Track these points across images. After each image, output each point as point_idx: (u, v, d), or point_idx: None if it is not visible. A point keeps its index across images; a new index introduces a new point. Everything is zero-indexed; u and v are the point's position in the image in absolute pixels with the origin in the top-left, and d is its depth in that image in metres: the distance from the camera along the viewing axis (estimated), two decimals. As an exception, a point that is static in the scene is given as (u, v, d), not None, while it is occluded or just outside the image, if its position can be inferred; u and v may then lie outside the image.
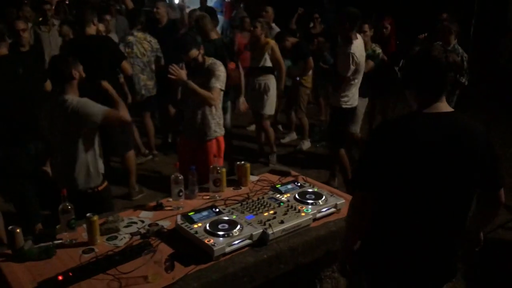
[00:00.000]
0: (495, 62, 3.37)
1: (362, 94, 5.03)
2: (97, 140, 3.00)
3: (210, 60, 3.62)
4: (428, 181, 1.84)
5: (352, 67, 4.34)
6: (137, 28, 5.29)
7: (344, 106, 4.57)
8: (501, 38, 3.19)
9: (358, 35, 4.49)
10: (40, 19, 6.07)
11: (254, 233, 2.36)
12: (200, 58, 3.55)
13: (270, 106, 5.59)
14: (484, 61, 3.93)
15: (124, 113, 2.97)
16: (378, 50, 5.20)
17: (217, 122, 3.72)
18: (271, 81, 5.49)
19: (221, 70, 3.57)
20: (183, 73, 3.47)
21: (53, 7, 6.75)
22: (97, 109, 2.81)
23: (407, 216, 1.92)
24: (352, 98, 4.59)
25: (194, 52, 3.49)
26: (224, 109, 5.05)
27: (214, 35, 4.91)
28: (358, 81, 4.55)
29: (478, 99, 4.10)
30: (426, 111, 1.86)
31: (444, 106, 1.88)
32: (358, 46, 4.41)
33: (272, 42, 5.40)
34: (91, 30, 4.31)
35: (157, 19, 5.81)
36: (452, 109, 1.90)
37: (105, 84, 3.03)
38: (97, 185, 2.98)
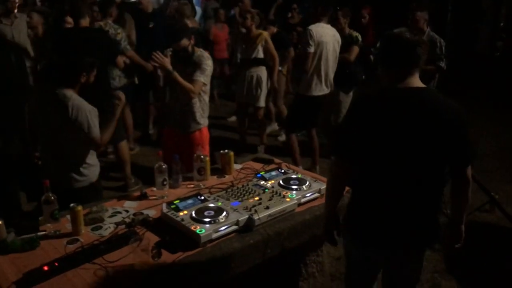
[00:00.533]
0: (472, 48, 3.45)
1: (345, 90, 5.13)
2: None
3: (198, 52, 3.59)
4: (400, 151, 1.96)
5: (311, 44, 4.54)
6: (107, 20, 5.15)
7: (301, 93, 4.75)
8: (478, 25, 3.25)
9: (328, 25, 4.64)
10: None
11: (240, 219, 2.38)
12: (190, 49, 3.52)
13: (264, 98, 5.65)
14: (461, 47, 4.03)
15: (106, 138, 2.98)
16: (355, 33, 5.17)
17: (201, 114, 3.71)
18: (263, 73, 5.51)
19: (208, 64, 3.55)
20: (166, 61, 3.44)
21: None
22: (92, 129, 2.82)
23: (382, 183, 2.04)
24: (313, 87, 4.71)
25: (185, 42, 3.47)
26: None
27: (190, 24, 4.90)
28: (320, 70, 4.64)
29: (457, 84, 4.20)
30: (399, 86, 1.98)
31: (416, 82, 1.99)
32: (322, 29, 4.58)
33: (266, 34, 5.36)
34: (86, 22, 4.24)
35: (140, 9, 5.75)
36: (425, 86, 2.02)
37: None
38: (88, 181, 2.95)
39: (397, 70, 2.00)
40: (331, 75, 4.85)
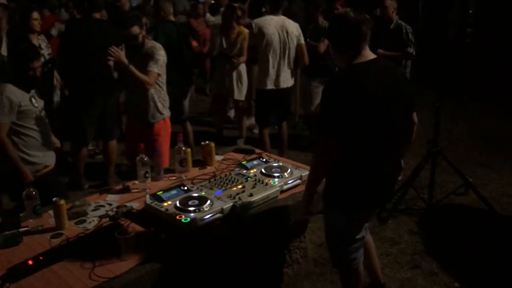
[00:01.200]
0: (443, 34, 3.55)
1: (318, 81, 5.20)
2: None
3: (150, 44, 3.60)
4: (380, 120, 2.15)
5: (251, 37, 4.73)
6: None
7: (257, 87, 4.76)
8: (449, 11, 3.35)
9: (279, 16, 4.62)
10: None
11: (224, 207, 2.40)
12: (140, 38, 3.52)
13: (244, 92, 5.65)
14: (433, 34, 4.14)
15: None
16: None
17: (162, 105, 3.70)
18: (242, 68, 5.52)
19: (160, 54, 3.55)
20: (122, 55, 3.42)
21: None
22: None
23: (372, 151, 2.21)
24: (265, 80, 4.64)
25: (135, 29, 3.46)
26: (185, 95, 5.05)
27: (172, 18, 4.88)
28: (268, 62, 4.59)
29: (430, 72, 4.30)
30: (359, 61, 2.17)
31: (369, 54, 2.20)
32: (266, 21, 4.56)
33: (246, 31, 5.24)
34: (98, 15, 4.36)
35: (118, 6, 5.70)
36: (375, 55, 2.23)
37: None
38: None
39: (350, 47, 2.18)
40: (286, 66, 4.68)
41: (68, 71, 4.46)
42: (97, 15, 4.36)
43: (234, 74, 5.45)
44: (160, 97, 3.68)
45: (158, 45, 3.61)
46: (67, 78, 4.58)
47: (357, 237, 2.44)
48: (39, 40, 4.52)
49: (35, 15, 4.38)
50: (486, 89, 7.58)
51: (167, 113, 3.76)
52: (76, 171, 4.62)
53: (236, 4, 5.63)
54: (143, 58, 3.53)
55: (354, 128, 2.13)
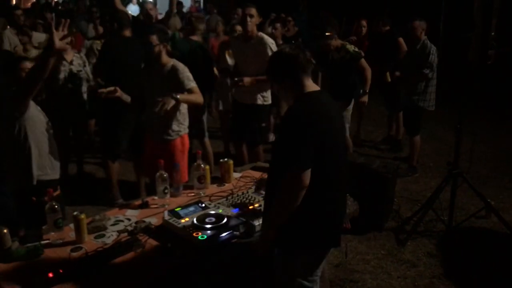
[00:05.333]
0: (464, 57, 3.55)
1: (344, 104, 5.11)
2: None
3: (171, 63, 3.53)
4: (335, 147, 2.20)
5: None
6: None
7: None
8: (469, 34, 3.34)
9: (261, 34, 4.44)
10: None
11: (240, 225, 2.42)
12: (156, 50, 3.44)
13: None
14: (454, 57, 4.13)
15: None
16: (351, 47, 4.90)
17: (180, 122, 3.67)
18: None
19: (186, 70, 3.52)
20: (169, 101, 3.26)
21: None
22: None
23: (330, 183, 2.21)
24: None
25: (154, 39, 3.42)
26: (202, 110, 5.10)
27: (195, 38, 4.99)
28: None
29: (451, 94, 4.28)
30: (308, 91, 2.22)
31: (313, 85, 2.26)
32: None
33: None
34: (127, 33, 4.42)
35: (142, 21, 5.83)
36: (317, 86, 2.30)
37: None
38: None
39: (294, 79, 2.22)
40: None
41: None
42: (126, 33, 4.42)
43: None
44: (179, 114, 3.67)
45: (180, 64, 3.56)
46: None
47: (317, 276, 2.36)
48: (73, 56, 4.74)
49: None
50: (508, 110, 7.48)
51: (184, 130, 3.75)
52: (110, 184, 4.67)
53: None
54: (164, 79, 3.49)
55: (320, 160, 2.11)
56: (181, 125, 3.71)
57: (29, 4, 11.36)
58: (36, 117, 2.95)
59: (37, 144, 2.88)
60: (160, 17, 7.39)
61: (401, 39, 5.88)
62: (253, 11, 4.25)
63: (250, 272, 2.48)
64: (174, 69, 3.50)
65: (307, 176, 2.07)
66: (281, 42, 6.26)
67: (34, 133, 2.86)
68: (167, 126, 3.65)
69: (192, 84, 3.48)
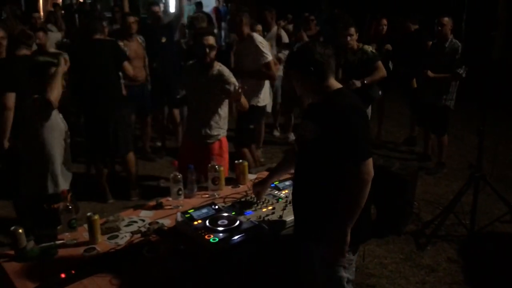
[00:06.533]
0: (488, 56, 3.45)
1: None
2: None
3: (218, 66, 3.58)
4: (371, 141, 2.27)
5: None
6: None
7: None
8: (493, 32, 3.25)
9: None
10: None
11: (253, 228, 2.39)
12: (214, 51, 3.49)
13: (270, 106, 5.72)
14: (478, 55, 4.03)
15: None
16: (369, 48, 4.77)
17: (220, 125, 3.70)
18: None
19: (232, 75, 3.58)
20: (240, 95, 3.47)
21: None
22: None
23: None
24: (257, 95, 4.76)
25: (211, 39, 3.46)
26: None
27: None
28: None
29: (473, 94, 4.17)
30: (337, 88, 2.23)
31: (336, 83, 2.26)
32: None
33: None
34: (98, 36, 4.56)
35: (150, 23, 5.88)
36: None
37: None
38: None
39: (321, 76, 2.20)
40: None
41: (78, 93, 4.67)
42: (97, 36, 4.55)
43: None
44: (218, 118, 3.67)
45: (226, 69, 3.60)
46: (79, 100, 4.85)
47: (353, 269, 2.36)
48: None
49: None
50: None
51: (223, 132, 3.75)
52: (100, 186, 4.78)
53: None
54: (209, 81, 3.53)
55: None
56: (221, 129, 3.73)
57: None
58: (56, 125, 2.99)
59: (53, 152, 2.93)
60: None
61: (429, 43, 5.52)
62: (245, 15, 4.75)
63: (263, 274, 2.45)
64: (220, 73, 3.55)
65: (372, 165, 2.11)
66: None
67: (50, 141, 2.91)
68: (208, 129, 3.67)
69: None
